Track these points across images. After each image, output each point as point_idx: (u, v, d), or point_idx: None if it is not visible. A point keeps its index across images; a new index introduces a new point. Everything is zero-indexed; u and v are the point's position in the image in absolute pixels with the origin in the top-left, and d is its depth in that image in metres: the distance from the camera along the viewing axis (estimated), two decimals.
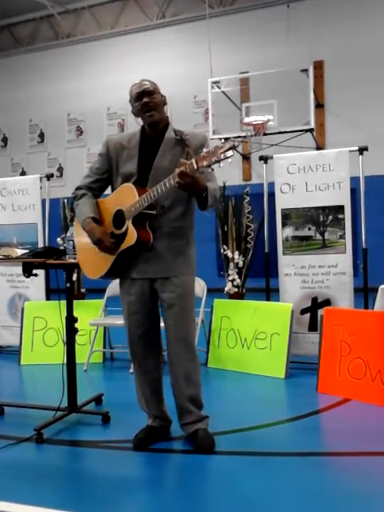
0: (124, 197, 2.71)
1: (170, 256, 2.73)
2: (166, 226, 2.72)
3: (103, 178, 2.88)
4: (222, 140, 2.48)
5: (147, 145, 2.77)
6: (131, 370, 4.44)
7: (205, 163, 2.41)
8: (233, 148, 2.38)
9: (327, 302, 4.36)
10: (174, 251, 2.74)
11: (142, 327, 2.82)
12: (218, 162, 2.39)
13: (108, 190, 2.96)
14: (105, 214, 2.81)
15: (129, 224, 2.67)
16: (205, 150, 2.43)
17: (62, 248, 3.34)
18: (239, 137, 8.78)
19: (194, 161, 2.44)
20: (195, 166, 2.43)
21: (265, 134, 8.53)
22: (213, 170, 2.60)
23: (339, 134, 9.76)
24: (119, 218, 2.72)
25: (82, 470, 2.65)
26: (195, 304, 2.89)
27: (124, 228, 2.69)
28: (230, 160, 2.38)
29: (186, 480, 2.51)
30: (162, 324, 2.89)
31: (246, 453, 2.75)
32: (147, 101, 2.70)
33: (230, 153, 2.37)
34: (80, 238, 2.94)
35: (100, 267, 2.81)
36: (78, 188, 2.91)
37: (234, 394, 3.85)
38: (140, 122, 2.83)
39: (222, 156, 2.37)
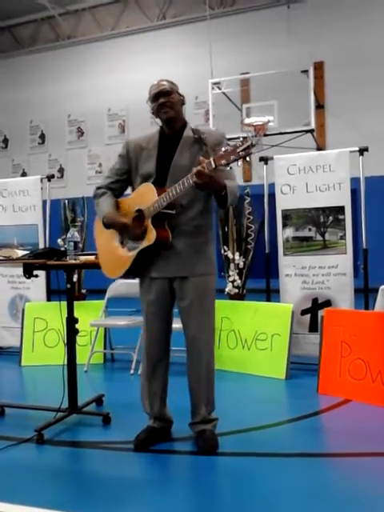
0: (144, 196, 2.73)
1: (189, 255, 2.73)
2: (184, 224, 2.71)
3: (123, 179, 2.91)
4: (241, 138, 2.46)
5: (166, 144, 2.78)
6: (132, 371, 4.45)
7: (223, 162, 2.41)
8: (251, 146, 2.38)
9: (328, 303, 4.35)
10: (193, 250, 2.73)
11: (157, 327, 2.82)
12: (237, 160, 2.39)
13: (128, 190, 2.99)
14: (125, 213, 2.82)
15: (148, 223, 2.67)
16: (223, 148, 2.43)
17: (62, 249, 3.34)
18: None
19: (212, 159, 2.44)
20: (213, 165, 2.43)
21: (265, 135, 8.53)
22: (231, 168, 2.60)
23: (339, 134, 9.76)
24: (139, 217, 2.73)
25: (83, 471, 2.65)
26: (214, 305, 2.85)
27: (143, 227, 2.70)
28: (248, 158, 2.40)
29: (187, 481, 2.51)
30: (175, 325, 2.88)
31: (247, 454, 2.75)
32: (164, 101, 2.72)
33: (247, 151, 2.37)
34: (100, 237, 2.96)
35: (120, 266, 2.81)
36: (98, 188, 2.95)
37: (234, 394, 3.85)
38: (159, 122, 2.85)
39: (242, 154, 2.37)
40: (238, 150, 2.38)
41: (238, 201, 2.82)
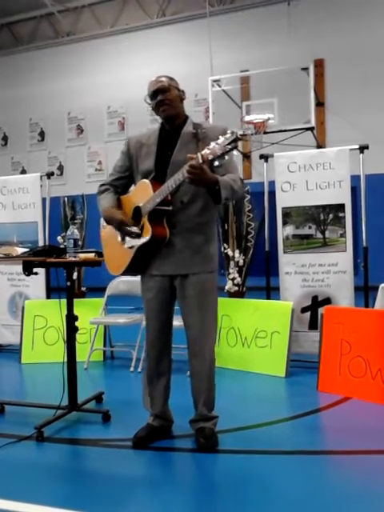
0: (141, 193, 2.72)
1: (188, 253, 2.71)
2: (185, 221, 2.69)
3: (125, 176, 2.91)
4: (228, 131, 2.44)
5: (165, 140, 2.77)
6: (132, 369, 4.45)
7: (210, 157, 2.39)
8: (236, 140, 2.36)
9: (327, 301, 4.35)
10: (193, 247, 2.71)
11: (158, 325, 2.81)
12: (224, 154, 2.37)
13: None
14: (126, 210, 2.83)
15: (144, 220, 2.66)
16: (212, 143, 2.40)
17: (62, 246, 3.33)
18: (242, 134, 8.77)
19: (199, 155, 2.42)
20: (200, 160, 2.41)
21: (265, 133, 8.53)
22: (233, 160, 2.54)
23: (340, 132, 9.75)
24: (137, 214, 2.73)
25: (82, 469, 2.65)
26: (216, 302, 2.84)
27: (141, 224, 2.69)
28: (235, 152, 2.37)
29: (187, 478, 2.51)
30: (176, 323, 2.88)
31: (246, 451, 2.75)
32: (161, 99, 2.71)
33: (233, 145, 2.35)
34: (105, 234, 2.98)
35: (121, 263, 2.81)
36: (101, 185, 2.97)
37: (234, 392, 3.85)
38: (159, 119, 2.84)
39: (226, 148, 2.35)
40: (224, 144, 2.37)
41: (239, 195, 2.74)
